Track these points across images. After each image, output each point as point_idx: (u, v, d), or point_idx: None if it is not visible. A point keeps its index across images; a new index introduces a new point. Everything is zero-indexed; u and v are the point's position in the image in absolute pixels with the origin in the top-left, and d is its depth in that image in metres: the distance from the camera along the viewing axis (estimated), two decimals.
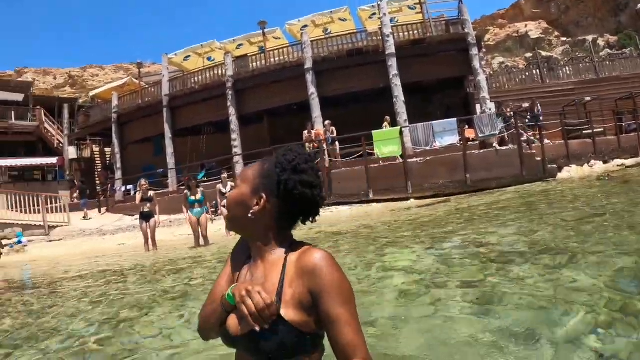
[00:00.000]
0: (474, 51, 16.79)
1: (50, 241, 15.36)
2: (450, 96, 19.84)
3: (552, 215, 6.71)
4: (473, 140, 14.88)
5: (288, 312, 1.15)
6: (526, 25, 35.94)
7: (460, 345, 2.29)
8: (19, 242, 14.82)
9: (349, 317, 1.14)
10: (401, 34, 17.92)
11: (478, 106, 16.64)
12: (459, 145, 14.39)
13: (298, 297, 1.17)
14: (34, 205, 17.64)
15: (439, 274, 3.87)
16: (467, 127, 14.96)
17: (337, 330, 1.12)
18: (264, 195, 1.27)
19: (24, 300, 5.64)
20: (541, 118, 16.75)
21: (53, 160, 26.90)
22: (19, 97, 30.12)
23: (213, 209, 13.13)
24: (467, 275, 3.69)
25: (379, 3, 18.15)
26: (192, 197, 10.17)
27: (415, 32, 17.97)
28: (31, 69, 44.57)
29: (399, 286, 3.66)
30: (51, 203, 18.07)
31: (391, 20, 19.40)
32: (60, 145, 27.86)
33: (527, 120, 16.46)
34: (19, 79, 37.87)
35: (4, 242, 14.09)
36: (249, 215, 1.27)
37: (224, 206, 11.10)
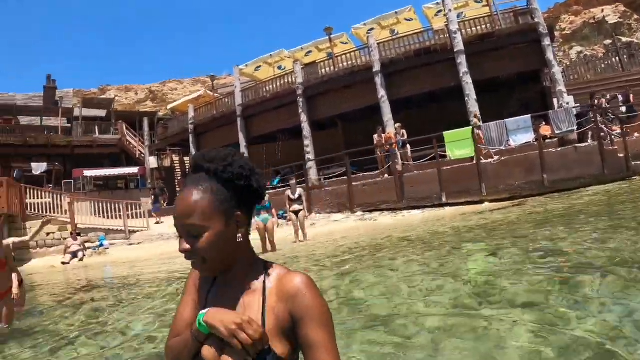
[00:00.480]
0: (546, 42, 15.92)
1: (131, 244, 16.56)
2: (527, 91, 19.01)
3: (632, 219, 6.34)
4: (550, 137, 14.28)
5: (273, 342, 1.11)
6: (602, 10, 33.56)
7: None
8: (101, 245, 16.20)
9: (329, 342, 1.11)
10: (468, 30, 17.38)
11: (555, 100, 15.91)
12: (534, 143, 13.85)
13: (281, 324, 1.13)
14: (116, 212, 18.92)
15: (495, 286, 3.71)
16: (543, 123, 14.44)
17: (317, 354, 1.10)
18: (238, 212, 1.18)
19: (101, 297, 6.29)
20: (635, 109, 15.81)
21: (135, 170, 28.88)
22: (102, 112, 33.00)
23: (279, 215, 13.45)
24: (528, 289, 3.47)
25: (443, 0, 17.79)
26: (259, 204, 10.46)
27: (483, 26, 17.33)
28: (114, 86, 47.86)
29: (451, 296, 3.60)
30: (132, 209, 19.38)
31: (458, 16, 18.98)
32: (142, 155, 29.91)
33: (610, 114, 15.57)
34: (103, 96, 40.78)
35: (87, 245, 15.50)
36: (239, 240, 1.19)
37: (292, 211, 11.43)
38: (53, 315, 5.50)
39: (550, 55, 15.77)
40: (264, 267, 1.23)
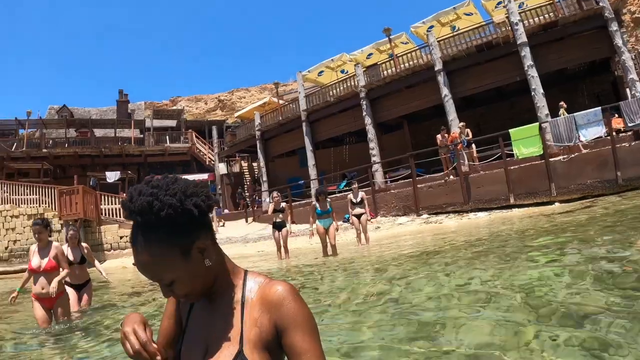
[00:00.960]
0: (614, 27, 14.99)
1: None
2: (598, 82, 18.13)
3: None
4: (623, 131, 13.59)
5: (252, 354, 1.09)
6: None
7: None
8: None
9: (316, 349, 1.10)
10: (530, 20, 16.71)
11: (628, 90, 15.04)
12: (606, 137, 13.21)
13: (263, 335, 1.11)
14: None
15: (550, 300, 3.39)
16: (615, 116, 13.77)
17: None
18: (194, 243, 1.12)
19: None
20: None
21: (205, 176, 30.38)
22: (172, 123, 35.35)
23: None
24: (581, 304, 3.13)
25: None
26: (320, 209, 10.68)
27: (545, 15, 16.55)
28: (184, 97, 50.18)
29: (504, 306, 3.40)
30: None
31: (520, 6, 18.40)
32: (212, 162, 31.48)
33: None
34: (173, 107, 42.96)
35: None
36: (207, 266, 1.15)
37: (354, 215, 11.61)
38: (116, 311, 6.22)
39: (619, 41, 14.85)
40: (244, 279, 1.22)
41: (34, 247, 5.48)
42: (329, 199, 11.04)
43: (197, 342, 1.19)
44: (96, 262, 7.29)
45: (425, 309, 3.79)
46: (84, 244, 6.90)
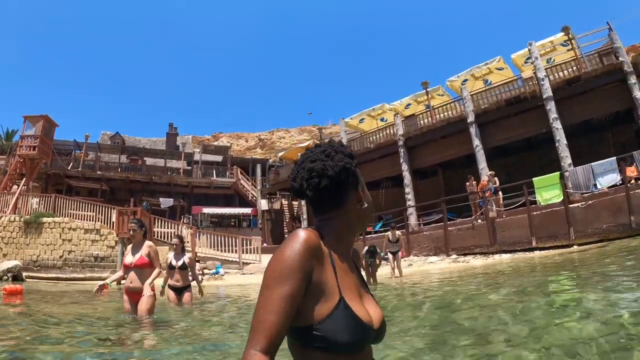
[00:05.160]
0: (632, 80, 15.85)
1: (243, 274, 18.86)
2: (623, 131, 18.86)
3: None
4: (636, 178, 14.44)
5: None
6: None
7: None
8: (217, 272, 18.93)
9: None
10: (556, 75, 17.81)
11: None
12: (620, 185, 14.11)
13: None
14: (230, 246, 21.72)
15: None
16: (635, 164, 14.67)
17: None
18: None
19: (208, 309, 7.84)
20: None
21: (248, 210, 32.89)
22: (218, 158, 38.07)
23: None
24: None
25: (529, 48, 18.49)
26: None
27: (570, 69, 17.62)
28: (226, 133, 52.79)
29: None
30: (246, 245, 21.99)
31: (548, 61, 19.63)
32: (254, 198, 33.72)
33: None
34: (216, 143, 45.90)
35: (205, 271, 18.16)
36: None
37: (390, 252, 13.21)
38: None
39: (637, 93, 15.68)
40: None
41: (129, 247, 6.06)
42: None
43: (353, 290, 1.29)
44: (196, 271, 8.27)
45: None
46: (188, 254, 7.88)
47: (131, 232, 5.94)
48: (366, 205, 1.39)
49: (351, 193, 1.36)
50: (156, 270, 5.87)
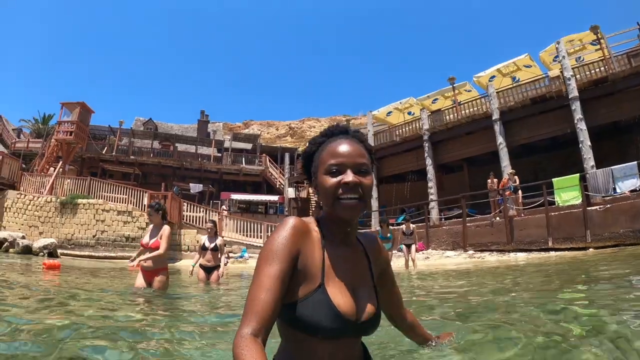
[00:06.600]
0: None
1: None
2: None
3: None
4: None
5: None
6: None
7: None
8: (241, 256, 19.89)
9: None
10: (582, 75, 17.67)
11: None
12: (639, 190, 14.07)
13: None
14: (256, 231, 22.64)
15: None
16: None
17: None
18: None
19: (227, 287, 8.22)
20: None
21: (275, 197, 33.54)
22: (248, 146, 38.80)
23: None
24: None
25: (556, 46, 18.34)
26: (382, 234, 12.76)
27: (597, 69, 17.45)
28: (257, 121, 53.46)
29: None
30: (271, 231, 22.40)
31: (577, 60, 19.49)
32: (281, 186, 34.26)
33: None
34: (247, 131, 46.67)
35: (230, 254, 19.03)
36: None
37: (405, 244, 13.60)
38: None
39: None
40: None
41: (150, 226, 6.22)
42: (390, 227, 13.25)
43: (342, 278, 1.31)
44: (223, 257, 8.98)
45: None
46: (220, 237, 8.89)
47: (148, 216, 6.29)
48: (320, 194, 1.36)
49: (320, 179, 1.34)
50: (157, 252, 5.89)
